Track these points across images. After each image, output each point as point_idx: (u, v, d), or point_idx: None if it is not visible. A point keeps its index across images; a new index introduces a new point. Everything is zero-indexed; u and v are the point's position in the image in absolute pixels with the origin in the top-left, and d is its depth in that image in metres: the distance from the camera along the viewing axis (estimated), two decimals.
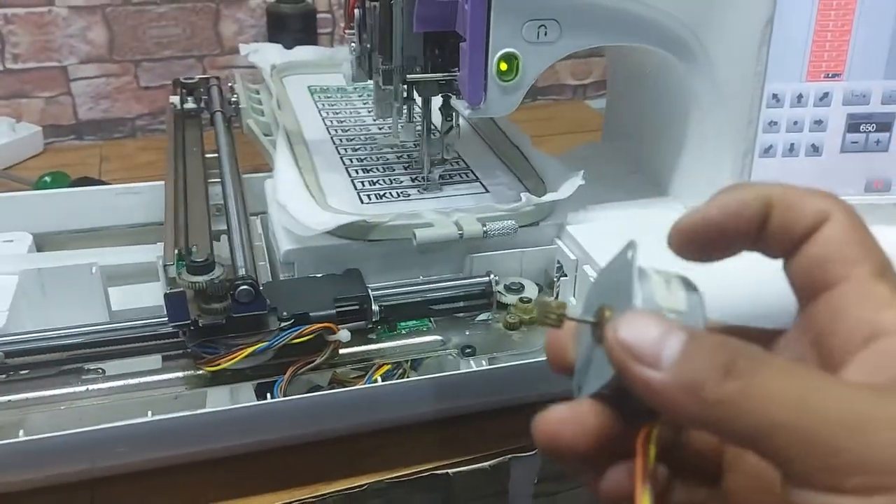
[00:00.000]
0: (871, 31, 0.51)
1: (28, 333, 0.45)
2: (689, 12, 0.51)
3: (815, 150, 0.54)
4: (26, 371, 0.44)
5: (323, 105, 0.75)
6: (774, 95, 0.52)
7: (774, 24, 0.50)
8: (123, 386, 0.44)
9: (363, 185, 0.59)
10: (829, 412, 0.18)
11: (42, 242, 0.61)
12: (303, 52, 0.86)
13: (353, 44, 0.58)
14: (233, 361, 0.43)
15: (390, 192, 0.58)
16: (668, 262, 0.24)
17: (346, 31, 0.59)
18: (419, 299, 0.51)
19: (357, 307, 0.48)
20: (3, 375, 0.44)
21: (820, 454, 0.18)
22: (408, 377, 0.48)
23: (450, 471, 0.45)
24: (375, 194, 0.58)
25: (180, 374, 0.45)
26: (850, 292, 0.22)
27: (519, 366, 0.46)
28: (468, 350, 0.49)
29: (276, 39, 0.98)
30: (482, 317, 0.52)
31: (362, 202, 0.56)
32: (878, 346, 0.21)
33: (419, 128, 0.58)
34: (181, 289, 0.42)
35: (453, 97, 0.55)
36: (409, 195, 0.58)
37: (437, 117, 0.58)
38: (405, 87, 0.54)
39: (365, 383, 0.47)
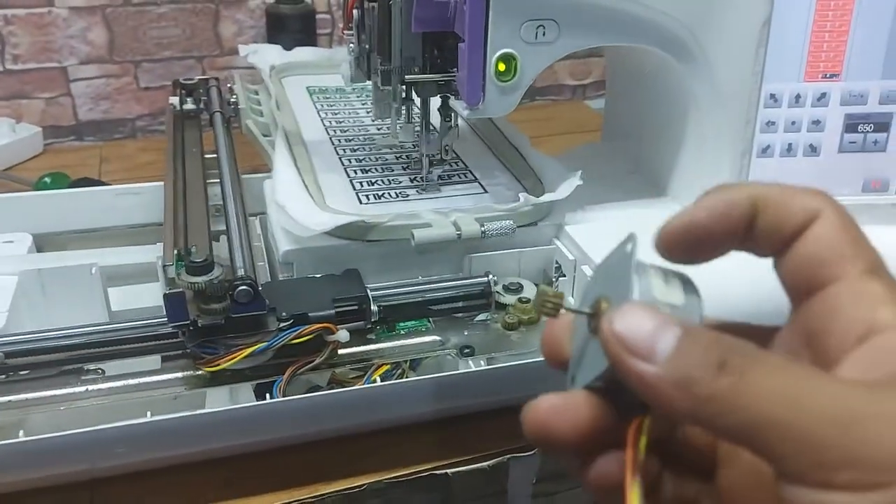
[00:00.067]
0: (868, 31, 0.51)
1: (28, 334, 0.45)
2: (687, 13, 0.51)
3: (812, 150, 0.54)
4: (26, 371, 0.44)
5: (322, 106, 0.75)
6: (772, 95, 0.52)
7: (772, 25, 0.50)
8: (123, 386, 0.44)
9: (362, 186, 0.59)
10: (820, 409, 0.18)
11: (42, 243, 0.61)
12: (302, 53, 0.86)
13: (351, 44, 0.58)
14: (232, 362, 0.43)
15: (389, 193, 0.58)
16: (664, 260, 0.24)
17: (345, 32, 0.59)
18: (418, 299, 0.51)
19: (356, 307, 0.48)
20: (3, 376, 0.44)
21: (810, 450, 0.18)
22: (406, 377, 0.48)
23: (449, 471, 0.45)
24: (374, 194, 0.58)
25: (179, 375, 0.45)
26: (843, 291, 0.22)
27: (517, 366, 0.47)
28: (467, 350, 0.49)
29: (276, 40, 0.98)
30: (481, 317, 0.52)
31: (361, 202, 0.57)
32: (872, 344, 0.21)
33: (418, 128, 0.58)
34: (180, 289, 0.43)
35: (452, 97, 0.55)
36: (407, 195, 0.58)
37: (435, 118, 0.58)
38: (404, 87, 0.54)
39: (364, 383, 0.47)
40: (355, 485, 0.44)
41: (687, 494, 0.25)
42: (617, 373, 0.21)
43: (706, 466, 0.25)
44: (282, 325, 0.45)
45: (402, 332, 0.51)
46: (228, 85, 0.75)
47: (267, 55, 0.83)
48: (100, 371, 0.45)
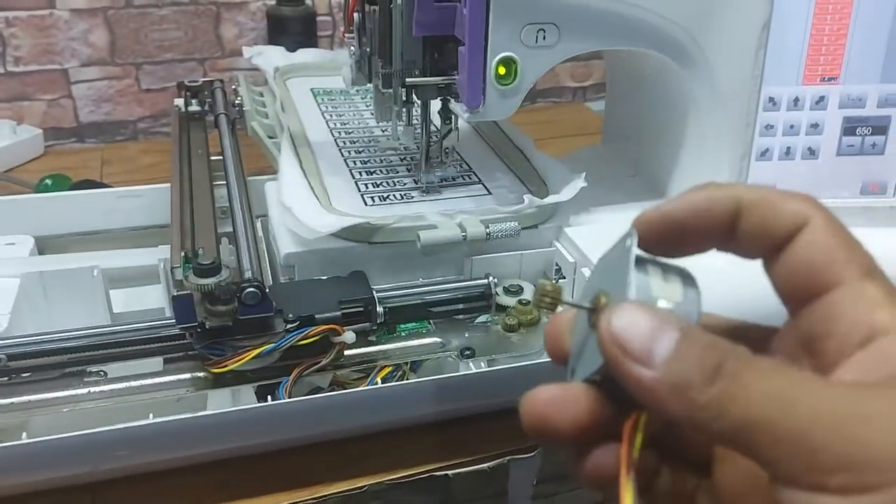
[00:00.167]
0: (867, 34, 0.51)
1: (30, 336, 0.45)
2: (687, 16, 0.52)
3: (811, 153, 0.54)
4: (28, 374, 0.45)
5: (326, 107, 0.75)
6: (771, 99, 0.53)
7: (771, 28, 0.51)
8: (125, 388, 0.44)
9: (367, 188, 0.59)
10: (813, 411, 0.18)
11: (44, 245, 0.61)
12: (305, 55, 0.86)
13: (352, 47, 0.58)
14: (239, 363, 0.44)
15: (394, 195, 0.58)
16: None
17: (346, 35, 0.59)
18: (419, 301, 0.51)
19: (362, 309, 0.48)
20: (6, 378, 0.44)
21: (804, 453, 0.18)
22: (407, 379, 0.48)
23: (449, 472, 0.45)
24: (379, 196, 0.58)
25: (182, 377, 0.45)
26: (843, 296, 0.22)
27: (518, 367, 0.47)
28: (467, 352, 0.49)
29: (277, 42, 0.98)
30: (481, 319, 0.52)
31: (366, 204, 0.57)
32: (871, 347, 0.21)
33: (418, 130, 0.58)
34: (188, 291, 0.43)
35: (452, 100, 0.55)
36: (412, 197, 0.58)
37: (436, 120, 0.58)
38: (404, 90, 0.55)
39: (367, 385, 0.48)
40: (356, 486, 0.44)
41: (685, 488, 0.25)
42: (612, 372, 0.21)
43: (704, 461, 0.25)
44: (288, 326, 0.45)
45: (403, 333, 0.51)
46: (233, 87, 0.75)
47: (271, 57, 0.83)
48: (102, 373, 0.45)
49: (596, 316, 0.23)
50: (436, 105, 0.57)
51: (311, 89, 0.79)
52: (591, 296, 0.24)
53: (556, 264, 0.55)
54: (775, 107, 0.53)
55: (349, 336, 0.46)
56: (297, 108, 0.73)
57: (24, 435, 0.41)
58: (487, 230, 0.51)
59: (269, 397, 0.44)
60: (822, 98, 0.53)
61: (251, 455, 0.45)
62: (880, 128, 0.53)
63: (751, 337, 0.25)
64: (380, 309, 0.48)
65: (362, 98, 0.78)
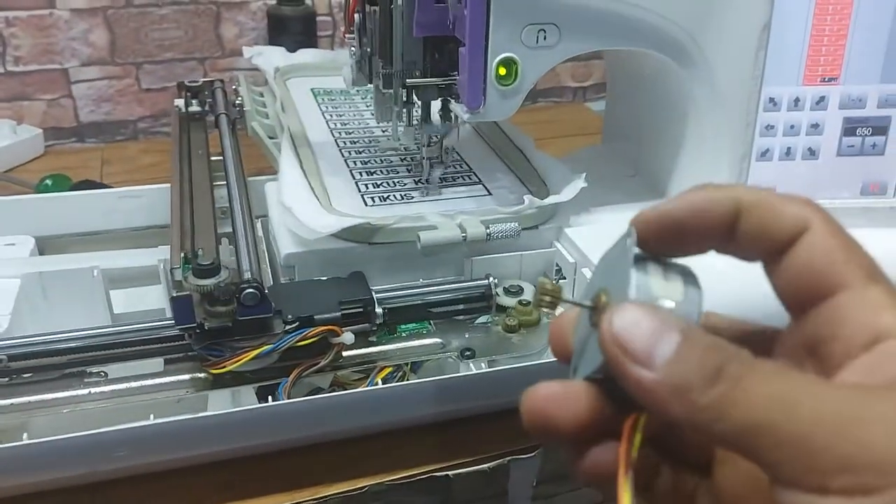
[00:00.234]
0: (867, 35, 0.51)
1: (30, 337, 0.45)
2: (686, 16, 0.52)
3: (811, 153, 0.54)
4: (29, 374, 0.45)
5: (327, 108, 0.75)
6: (771, 99, 0.53)
7: (771, 29, 0.51)
8: (126, 389, 0.44)
9: (367, 188, 0.59)
10: (815, 413, 0.18)
11: (44, 246, 0.61)
12: (306, 55, 0.86)
13: (353, 48, 0.59)
14: (238, 364, 0.44)
15: (394, 195, 0.58)
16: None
17: (347, 35, 0.59)
18: (419, 302, 0.51)
19: (361, 310, 0.48)
20: (6, 379, 0.44)
21: (805, 455, 0.18)
22: (407, 380, 0.48)
23: (449, 473, 0.45)
24: (379, 196, 0.58)
25: (182, 378, 0.45)
26: (846, 299, 0.22)
27: (518, 368, 0.47)
28: (468, 353, 0.49)
29: (277, 42, 0.98)
30: (481, 319, 0.52)
31: (366, 205, 0.57)
32: (876, 350, 0.21)
33: (418, 131, 0.58)
34: (187, 292, 0.43)
35: (452, 101, 0.55)
36: (412, 197, 0.58)
37: (436, 120, 0.58)
38: (405, 90, 0.55)
39: (368, 386, 0.48)
40: (356, 487, 0.44)
41: (685, 488, 0.25)
42: (613, 372, 0.21)
43: (704, 461, 0.25)
44: (287, 327, 0.45)
45: (404, 334, 0.51)
46: (233, 87, 0.75)
47: (271, 57, 0.83)
48: (102, 374, 0.45)
49: (597, 314, 0.23)
50: (436, 105, 0.57)
51: (312, 89, 0.79)
52: (593, 294, 0.23)
53: (557, 265, 0.55)
54: (776, 107, 0.53)
55: (347, 337, 0.46)
56: (298, 108, 0.73)
57: (24, 436, 0.41)
58: (488, 231, 0.51)
59: (269, 398, 0.45)
60: (822, 98, 0.53)
61: (252, 456, 0.45)
62: (880, 128, 0.53)
63: (753, 338, 0.25)
64: (379, 310, 0.48)
65: (363, 98, 0.78)
